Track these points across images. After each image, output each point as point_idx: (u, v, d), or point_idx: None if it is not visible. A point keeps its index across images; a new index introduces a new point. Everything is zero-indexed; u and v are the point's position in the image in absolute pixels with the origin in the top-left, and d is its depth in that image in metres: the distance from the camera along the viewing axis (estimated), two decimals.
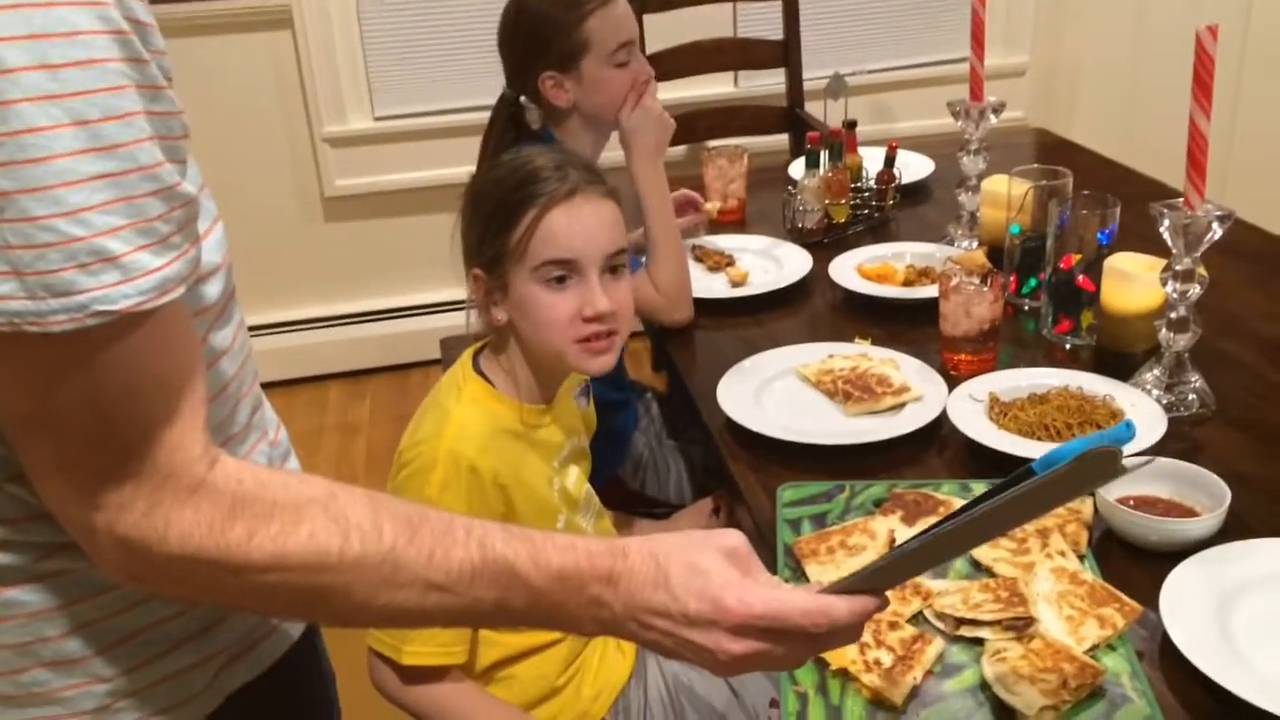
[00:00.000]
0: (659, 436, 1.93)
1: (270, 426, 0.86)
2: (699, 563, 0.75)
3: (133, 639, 0.74)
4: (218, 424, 0.75)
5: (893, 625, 1.05)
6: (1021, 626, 1.03)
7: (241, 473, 0.68)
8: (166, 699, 0.76)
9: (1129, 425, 0.76)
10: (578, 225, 1.23)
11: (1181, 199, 1.34)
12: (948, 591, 1.10)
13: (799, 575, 1.15)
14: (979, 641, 1.04)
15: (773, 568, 1.17)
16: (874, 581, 0.78)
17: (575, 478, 1.38)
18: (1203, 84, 1.31)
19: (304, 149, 3.11)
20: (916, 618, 1.08)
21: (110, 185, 0.58)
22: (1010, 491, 0.74)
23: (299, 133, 3.10)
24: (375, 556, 0.69)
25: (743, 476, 1.36)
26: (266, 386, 0.87)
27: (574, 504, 1.36)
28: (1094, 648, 1.02)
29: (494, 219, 1.25)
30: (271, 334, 3.17)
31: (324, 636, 0.94)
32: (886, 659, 1.01)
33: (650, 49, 2.78)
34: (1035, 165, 1.78)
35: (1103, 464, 0.73)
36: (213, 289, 0.73)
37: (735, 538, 0.78)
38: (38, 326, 0.58)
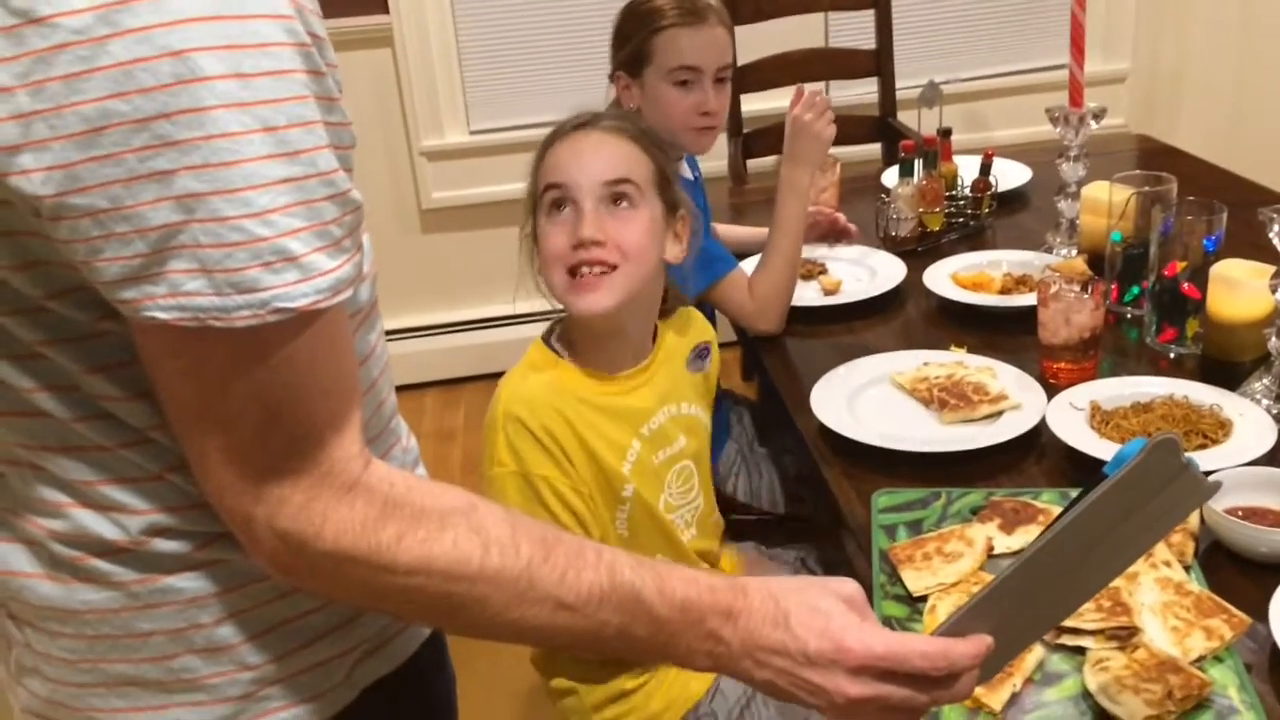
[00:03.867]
0: (751, 444, 1.94)
1: (403, 433, 0.89)
2: (818, 604, 0.77)
3: (278, 629, 0.76)
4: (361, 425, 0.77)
5: None
6: (1125, 636, 1.02)
7: (392, 476, 0.70)
8: (306, 690, 0.78)
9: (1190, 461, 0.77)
10: (572, 153, 1.27)
11: None
12: None
13: (894, 581, 1.15)
14: (1080, 651, 1.03)
15: (869, 574, 1.17)
16: (986, 620, 0.78)
17: (676, 449, 1.37)
18: None
19: (402, 162, 3.20)
20: None
21: (293, 189, 0.61)
22: (1090, 496, 0.74)
23: (397, 147, 3.18)
24: (512, 571, 0.71)
25: (836, 483, 1.36)
26: None
27: (654, 479, 1.35)
28: (1200, 659, 1.00)
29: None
30: None
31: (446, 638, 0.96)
32: None
33: (740, 60, 2.79)
34: (1137, 171, 1.75)
35: (1167, 457, 0.73)
36: (363, 293, 0.76)
37: (851, 586, 0.79)
38: (222, 322, 0.60)
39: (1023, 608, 0.81)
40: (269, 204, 0.60)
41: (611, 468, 1.29)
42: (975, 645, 0.77)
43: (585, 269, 1.25)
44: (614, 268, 1.25)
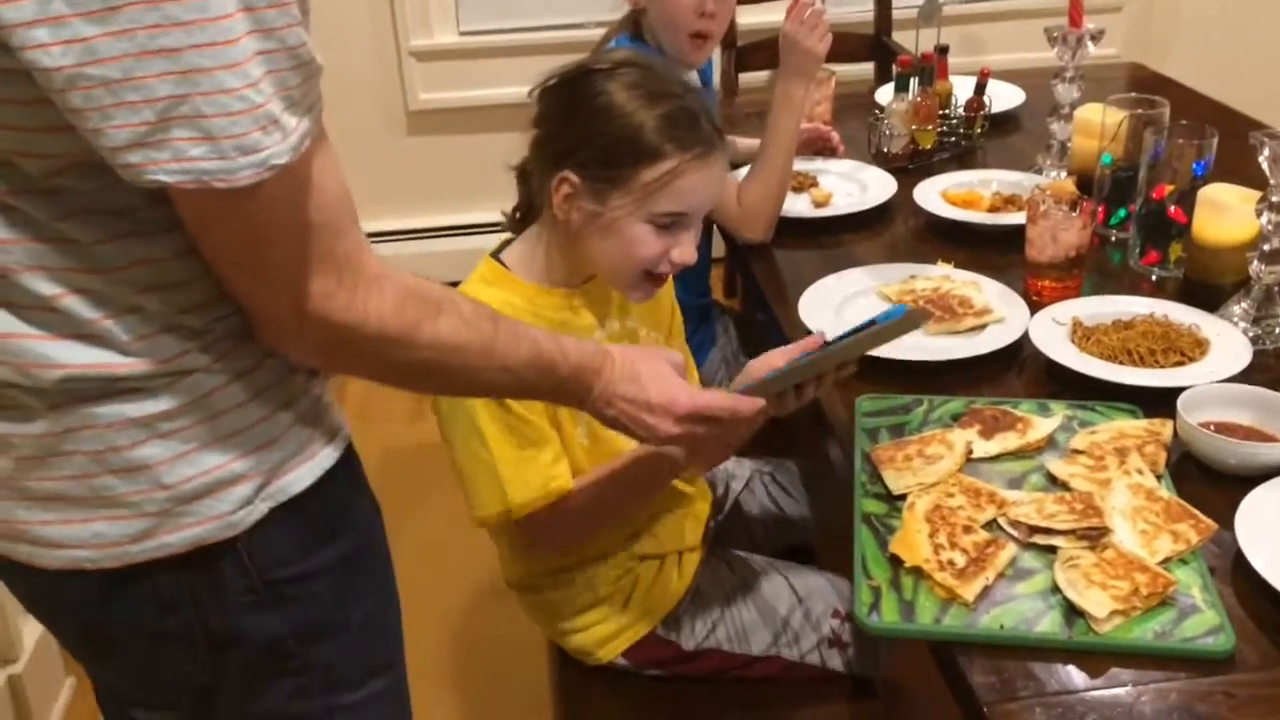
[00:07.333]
0: (735, 354, 1.96)
1: None
2: (658, 369, 1.06)
3: (194, 453, 0.81)
4: None
5: (967, 529, 1.08)
6: (1095, 536, 1.05)
7: (400, 270, 0.84)
8: (220, 507, 0.83)
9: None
10: (702, 187, 1.25)
11: None
12: (1022, 501, 1.12)
13: (875, 480, 1.18)
14: (1052, 550, 1.07)
15: (849, 475, 1.20)
16: (769, 389, 1.12)
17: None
18: None
19: (390, 62, 3.15)
20: (990, 525, 1.11)
21: (266, 60, 0.70)
22: (862, 332, 1.12)
23: (385, 45, 3.13)
24: (486, 343, 0.91)
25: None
26: None
27: None
28: (1166, 560, 1.04)
29: (616, 148, 1.22)
30: None
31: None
32: (960, 560, 1.04)
33: None
34: (1131, 94, 1.76)
35: (917, 320, 1.16)
36: None
37: (677, 356, 1.09)
38: (225, 183, 0.69)
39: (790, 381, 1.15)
40: (258, 75, 0.69)
41: None
42: (753, 404, 1.09)
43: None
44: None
